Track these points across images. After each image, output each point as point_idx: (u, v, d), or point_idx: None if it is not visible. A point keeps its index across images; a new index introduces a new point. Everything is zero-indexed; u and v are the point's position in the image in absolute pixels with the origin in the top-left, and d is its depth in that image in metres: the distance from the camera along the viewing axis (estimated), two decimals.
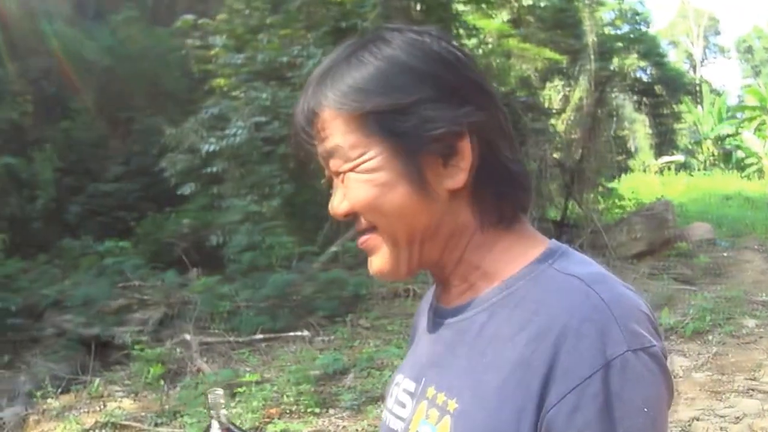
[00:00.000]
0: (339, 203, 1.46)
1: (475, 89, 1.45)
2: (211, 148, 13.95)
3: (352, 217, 1.47)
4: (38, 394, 8.74)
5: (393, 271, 1.48)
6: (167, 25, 18.96)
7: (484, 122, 1.42)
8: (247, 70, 15.25)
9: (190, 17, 16.02)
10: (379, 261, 1.48)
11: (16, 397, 9.62)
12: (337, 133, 1.42)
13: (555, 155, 17.63)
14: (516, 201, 1.49)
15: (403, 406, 1.56)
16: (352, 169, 1.42)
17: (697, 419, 7.34)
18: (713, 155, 35.46)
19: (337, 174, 1.45)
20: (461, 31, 16.57)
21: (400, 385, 1.61)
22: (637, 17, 30.28)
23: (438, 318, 1.56)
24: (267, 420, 7.77)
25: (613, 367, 1.22)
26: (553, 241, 1.50)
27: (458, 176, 1.41)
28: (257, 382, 8.63)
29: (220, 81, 15.57)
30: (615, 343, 1.24)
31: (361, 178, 1.41)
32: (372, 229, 1.45)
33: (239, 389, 8.48)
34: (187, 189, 14.53)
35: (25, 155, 16.70)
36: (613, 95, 21.84)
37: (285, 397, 8.26)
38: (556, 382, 1.25)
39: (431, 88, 1.39)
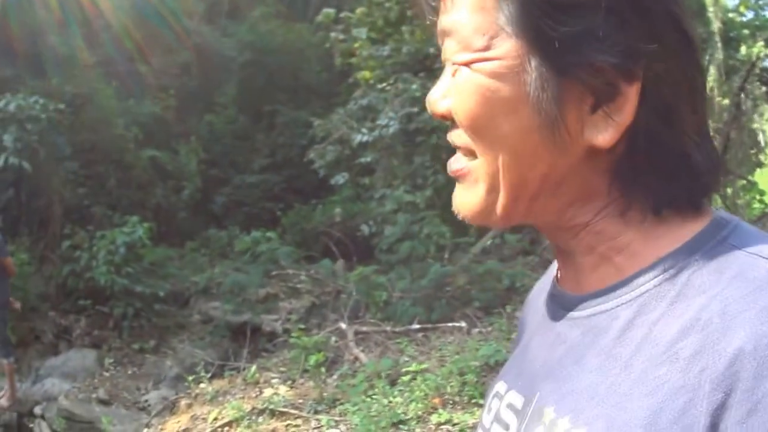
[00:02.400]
0: (439, 97, 1.08)
1: (669, 23, 0.98)
2: (364, 138, 13.75)
3: (448, 121, 1.09)
4: (190, 378, 8.62)
5: (481, 214, 1.08)
6: (302, 20, 19.18)
7: (667, 75, 0.98)
8: (392, 62, 15.04)
9: (331, 11, 16.01)
10: (467, 198, 1.09)
11: (162, 381, 9.80)
12: (463, 6, 1.03)
13: None
14: (685, 192, 1.03)
15: (507, 427, 1.16)
16: (467, 63, 1.02)
17: None
18: None
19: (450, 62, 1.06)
20: None
21: (503, 398, 1.21)
22: (760, 2, 29.33)
23: (560, 308, 1.14)
24: (431, 410, 7.43)
25: None
26: (720, 210, 1.06)
27: (606, 132, 0.98)
28: (418, 372, 8.33)
29: (366, 73, 15.35)
30: None
31: (475, 80, 1.01)
32: (471, 155, 1.07)
33: (403, 378, 8.21)
34: (340, 179, 14.42)
35: (169, 148, 16.99)
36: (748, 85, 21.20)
37: (448, 387, 7.88)
38: (733, 419, 0.85)
39: None
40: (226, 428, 7.56)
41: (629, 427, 0.91)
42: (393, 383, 8.13)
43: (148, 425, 8.31)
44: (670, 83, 0.98)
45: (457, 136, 1.07)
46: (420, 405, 7.43)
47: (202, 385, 8.55)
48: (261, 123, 19.00)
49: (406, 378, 8.17)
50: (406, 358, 9.07)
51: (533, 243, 13.41)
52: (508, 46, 0.98)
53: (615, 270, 1.05)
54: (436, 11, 1.08)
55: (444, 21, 1.05)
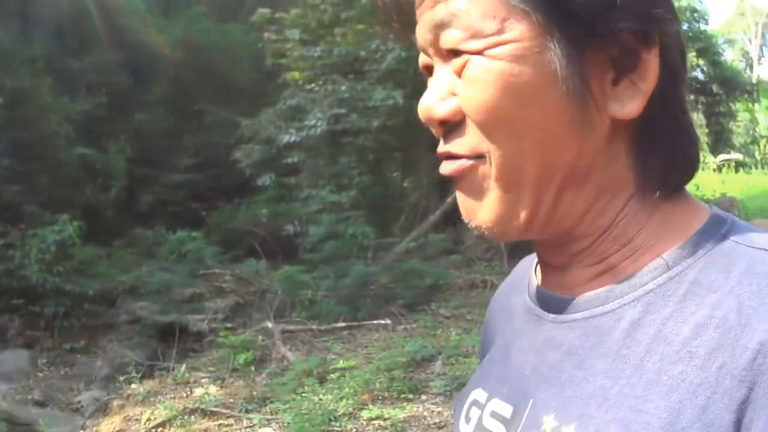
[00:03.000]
0: (436, 100, 1.00)
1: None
2: (291, 139, 13.80)
3: (447, 127, 1.01)
4: (121, 378, 8.67)
5: (501, 221, 1.01)
6: (235, 20, 19.09)
7: (673, 39, 0.97)
8: (322, 64, 15.09)
9: (266, 11, 15.97)
10: (485, 212, 1.01)
11: (93, 382, 9.71)
12: None
13: None
14: (684, 165, 1.03)
15: None
16: (481, 51, 0.95)
17: None
18: None
19: (450, 54, 0.99)
20: None
21: (484, 406, 1.15)
22: (695, 15, 29.78)
23: (547, 311, 1.09)
24: (361, 406, 7.63)
25: None
26: (716, 208, 1.04)
27: (633, 101, 0.96)
28: (346, 369, 8.53)
29: (295, 74, 15.44)
30: None
31: (492, 67, 0.94)
32: (477, 155, 0.99)
33: (332, 375, 8.41)
34: (266, 180, 14.46)
35: (99, 146, 16.84)
36: None
37: (377, 383, 8.09)
38: (761, 412, 0.83)
39: None
40: (159, 429, 7.61)
41: (647, 430, 0.89)
42: (322, 381, 8.28)
43: (83, 427, 8.29)
44: (675, 48, 0.98)
45: (459, 145, 1.00)
46: (350, 401, 7.61)
47: (133, 386, 8.57)
48: (189, 122, 18.90)
49: (334, 375, 8.35)
50: (333, 356, 9.24)
51: (456, 242, 13.63)
52: (523, 26, 0.93)
53: (613, 272, 1.02)
54: (416, 5, 1.02)
55: (438, 12, 0.97)
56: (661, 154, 1.01)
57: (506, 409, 1.08)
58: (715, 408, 0.85)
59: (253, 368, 8.83)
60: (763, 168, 33.06)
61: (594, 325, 1.00)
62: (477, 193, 1.01)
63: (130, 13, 19.03)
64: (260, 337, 10.00)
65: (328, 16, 15.45)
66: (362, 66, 14.42)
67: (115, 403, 8.40)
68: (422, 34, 1.01)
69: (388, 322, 10.60)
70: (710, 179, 25.68)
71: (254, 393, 8.21)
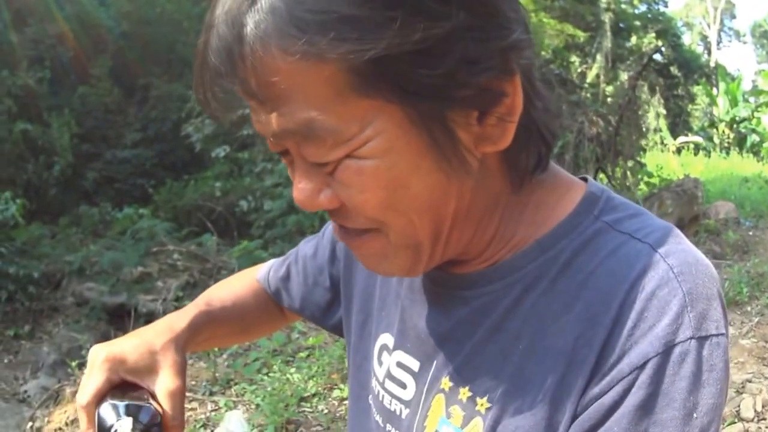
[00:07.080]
0: (314, 192, 0.99)
1: (504, 4, 0.94)
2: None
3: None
4: (74, 363, 8.10)
5: (408, 269, 1.08)
6: None
7: (530, 52, 0.99)
8: None
9: None
10: (391, 267, 1.08)
11: (40, 369, 9.30)
12: (310, 99, 0.89)
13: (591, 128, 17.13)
14: (546, 147, 1.09)
15: (404, 387, 1.24)
16: (347, 155, 0.93)
17: (749, 381, 7.22)
18: (728, 138, 35.02)
19: (320, 164, 0.96)
20: None
21: (392, 354, 1.27)
22: None
23: (443, 288, 1.18)
24: (332, 386, 7.42)
25: (672, 355, 0.93)
26: (591, 181, 1.14)
27: (504, 135, 0.98)
28: (314, 347, 8.26)
29: None
30: (680, 327, 0.93)
31: (363, 167, 0.93)
32: (372, 227, 1.02)
33: (300, 354, 8.13)
34: (220, 152, 14.13)
35: (41, 121, 16.28)
36: (628, 73, 21.84)
37: (346, 362, 7.66)
38: (603, 371, 0.95)
39: (462, 7, 0.87)
40: None
41: (526, 390, 1.01)
42: (287, 361, 8.01)
43: (32, 418, 7.75)
44: (532, 58, 1.00)
45: (350, 222, 1.02)
46: (320, 381, 7.39)
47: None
48: (135, 96, 18.64)
49: (302, 354, 8.09)
50: (297, 335, 8.90)
51: None
52: (384, 116, 0.91)
53: (501, 254, 1.11)
54: (263, 106, 0.95)
55: (287, 121, 0.92)
56: (529, 148, 1.05)
57: (414, 364, 1.21)
58: (576, 371, 0.98)
59: (215, 349, 8.34)
60: (721, 151, 33.43)
61: (482, 302, 1.10)
62: (380, 255, 1.06)
63: None
64: None
65: None
66: None
67: (68, 390, 7.83)
68: (269, 133, 0.97)
69: None
70: (670, 161, 26.24)
71: (217, 375, 7.85)
